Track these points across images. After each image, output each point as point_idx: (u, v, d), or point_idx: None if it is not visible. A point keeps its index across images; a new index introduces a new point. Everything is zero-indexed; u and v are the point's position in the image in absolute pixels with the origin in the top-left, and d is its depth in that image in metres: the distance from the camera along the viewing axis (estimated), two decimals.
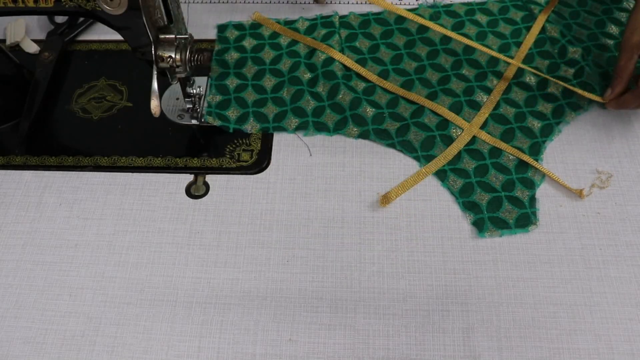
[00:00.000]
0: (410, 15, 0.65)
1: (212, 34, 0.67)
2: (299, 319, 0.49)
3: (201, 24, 0.68)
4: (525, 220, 0.52)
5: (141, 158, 0.58)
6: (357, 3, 0.69)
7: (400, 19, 0.67)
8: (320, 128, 0.59)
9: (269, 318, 0.49)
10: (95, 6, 0.48)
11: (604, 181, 0.55)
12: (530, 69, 0.60)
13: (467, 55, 0.63)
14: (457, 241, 0.52)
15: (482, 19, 0.66)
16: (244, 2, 0.70)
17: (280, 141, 0.59)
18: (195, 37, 0.65)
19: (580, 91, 0.58)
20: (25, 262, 0.52)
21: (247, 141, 0.59)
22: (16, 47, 0.67)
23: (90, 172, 0.57)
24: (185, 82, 0.57)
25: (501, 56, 0.61)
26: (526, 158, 0.55)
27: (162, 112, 0.58)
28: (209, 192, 0.56)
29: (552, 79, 0.59)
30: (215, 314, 0.49)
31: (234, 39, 0.66)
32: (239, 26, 0.67)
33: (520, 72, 0.62)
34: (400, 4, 0.69)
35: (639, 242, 0.51)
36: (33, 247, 0.53)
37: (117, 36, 0.51)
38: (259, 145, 0.58)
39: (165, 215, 0.54)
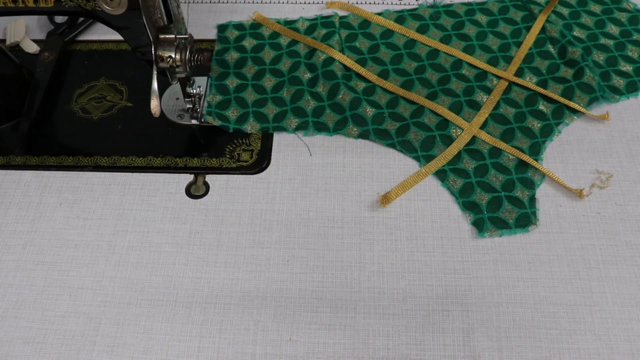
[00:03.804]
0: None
1: (212, 34, 0.67)
2: (299, 319, 0.49)
3: (201, 24, 0.68)
4: (525, 220, 0.52)
5: (141, 158, 0.58)
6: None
7: (400, 19, 0.67)
8: (320, 128, 0.59)
9: (269, 318, 0.49)
10: (95, 6, 0.48)
11: (604, 181, 0.55)
12: (520, 80, 0.60)
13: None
14: (457, 241, 0.52)
15: (482, 19, 0.66)
16: (244, 2, 0.70)
17: (280, 141, 0.59)
18: (195, 37, 0.65)
19: (569, 103, 0.58)
20: (25, 262, 0.52)
21: (247, 141, 0.59)
22: (16, 47, 0.67)
23: (90, 172, 0.57)
24: (185, 82, 0.57)
25: (492, 69, 0.61)
26: (526, 158, 0.55)
27: (162, 112, 0.58)
28: (209, 192, 0.56)
29: (542, 90, 0.59)
30: (215, 314, 0.49)
31: (234, 39, 0.66)
32: (239, 26, 0.67)
33: (520, 72, 0.62)
34: (401, 3, 0.69)
35: (639, 242, 0.51)
36: (33, 247, 0.53)
37: (117, 36, 0.51)
38: (259, 145, 0.58)
39: (165, 215, 0.54)
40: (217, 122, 0.59)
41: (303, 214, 0.54)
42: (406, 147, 0.57)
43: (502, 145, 0.56)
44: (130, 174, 0.57)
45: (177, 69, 0.52)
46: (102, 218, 0.54)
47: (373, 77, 0.61)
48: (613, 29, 0.65)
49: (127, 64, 0.65)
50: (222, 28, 0.67)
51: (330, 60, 0.62)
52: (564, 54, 0.62)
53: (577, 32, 0.65)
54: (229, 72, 0.63)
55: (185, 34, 0.51)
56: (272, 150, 0.58)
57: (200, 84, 0.61)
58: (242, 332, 0.48)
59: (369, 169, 0.56)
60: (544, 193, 0.54)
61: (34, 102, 0.61)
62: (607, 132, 0.58)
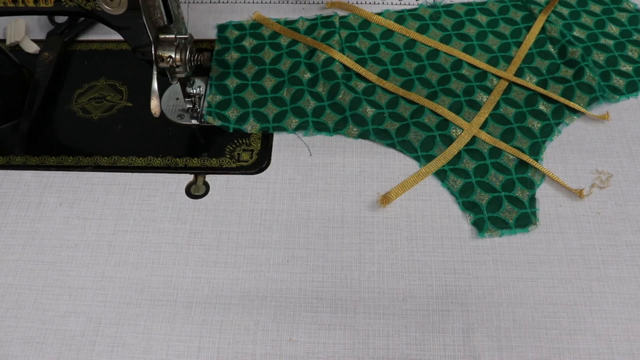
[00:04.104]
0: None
1: (212, 34, 0.67)
2: (299, 319, 0.49)
3: (201, 24, 0.68)
4: (525, 220, 0.52)
5: (141, 158, 0.58)
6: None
7: (400, 19, 0.67)
8: (320, 128, 0.59)
9: (269, 318, 0.49)
10: (95, 6, 0.48)
11: (604, 181, 0.55)
12: (520, 80, 0.60)
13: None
14: (457, 241, 0.52)
15: (482, 19, 0.66)
16: (244, 2, 0.70)
17: (280, 141, 0.59)
18: (195, 37, 0.65)
19: (569, 103, 0.58)
20: (25, 262, 0.52)
21: (247, 141, 0.59)
22: (16, 47, 0.67)
23: (90, 172, 0.57)
24: (185, 82, 0.57)
25: (492, 69, 0.61)
26: (526, 158, 0.55)
27: (162, 112, 0.58)
28: (209, 192, 0.56)
29: (542, 90, 0.59)
30: (215, 314, 0.49)
31: (234, 39, 0.66)
32: (239, 26, 0.67)
33: (520, 72, 0.62)
34: (401, 3, 0.69)
35: (639, 242, 0.51)
36: (33, 247, 0.53)
37: (117, 36, 0.51)
38: (259, 145, 0.58)
39: (165, 215, 0.54)
40: (217, 122, 0.59)
41: (303, 214, 0.54)
42: (406, 147, 0.57)
43: (502, 145, 0.56)
44: (130, 174, 0.57)
45: (177, 69, 0.52)
46: (102, 218, 0.54)
47: (373, 77, 0.61)
48: (613, 29, 0.65)
49: (127, 64, 0.65)
50: (222, 28, 0.67)
51: (330, 60, 0.62)
52: (564, 54, 0.62)
53: (577, 32, 0.65)
54: (229, 72, 0.63)
55: (185, 34, 0.51)
56: (272, 150, 0.58)
57: (200, 84, 0.61)
58: (242, 332, 0.48)
59: (369, 169, 0.56)
60: (544, 193, 0.54)
61: (34, 102, 0.61)
62: (607, 132, 0.58)
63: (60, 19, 0.69)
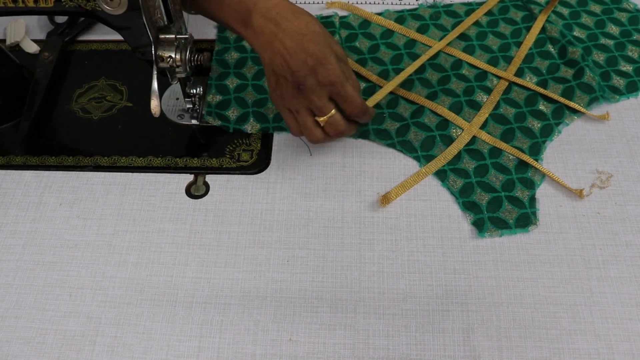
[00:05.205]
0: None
1: (212, 34, 0.67)
2: (299, 319, 0.49)
3: (201, 24, 0.68)
4: (525, 220, 0.52)
5: (141, 158, 0.58)
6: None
7: (400, 19, 0.67)
8: None
9: (269, 318, 0.49)
10: (95, 6, 0.48)
11: (604, 181, 0.55)
12: (520, 80, 0.60)
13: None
14: (457, 241, 0.52)
15: (482, 19, 0.66)
16: None
17: (280, 141, 0.59)
18: (195, 37, 0.65)
19: (569, 103, 0.58)
20: (25, 262, 0.52)
21: (247, 141, 0.59)
22: (16, 47, 0.67)
23: (90, 172, 0.57)
24: (185, 82, 0.57)
25: (492, 69, 0.61)
26: (526, 158, 0.55)
27: (162, 112, 0.58)
28: (209, 192, 0.56)
29: (542, 90, 0.59)
30: (215, 314, 0.49)
31: (234, 38, 0.66)
32: None
33: (520, 72, 0.62)
34: (401, 3, 0.69)
35: (639, 242, 0.51)
36: (33, 247, 0.53)
37: (117, 36, 0.51)
38: (259, 145, 0.58)
39: (165, 215, 0.54)
40: (217, 122, 0.59)
41: (303, 214, 0.54)
42: (406, 147, 0.57)
43: (502, 145, 0.56)
44: (130, 174, 0.57)
45: (177, 69, 0.51)
46: (102, 218, 0.54)
47: (373, 77, 0.61)
48: (613, 29, 0.65)
49: (127, 64, 0.65)
50: (222, 28, 0.67)
51: None
52: (564, 54, 0.62)
53: (577, 32, 0.65)
54: (229, 72, 0.63)
55: (185, 34, 0.51)
56: (272, 150, 0.58)
57: (200, 84, 0.61)
58: (242, 332, 0.48)
59: (369, 169, 0.56)
60: (544, 193, 0.54)
61: (34, 102, 0.61)
62: (607, 132, 0.58)
63: (60, 19, 0.69)
